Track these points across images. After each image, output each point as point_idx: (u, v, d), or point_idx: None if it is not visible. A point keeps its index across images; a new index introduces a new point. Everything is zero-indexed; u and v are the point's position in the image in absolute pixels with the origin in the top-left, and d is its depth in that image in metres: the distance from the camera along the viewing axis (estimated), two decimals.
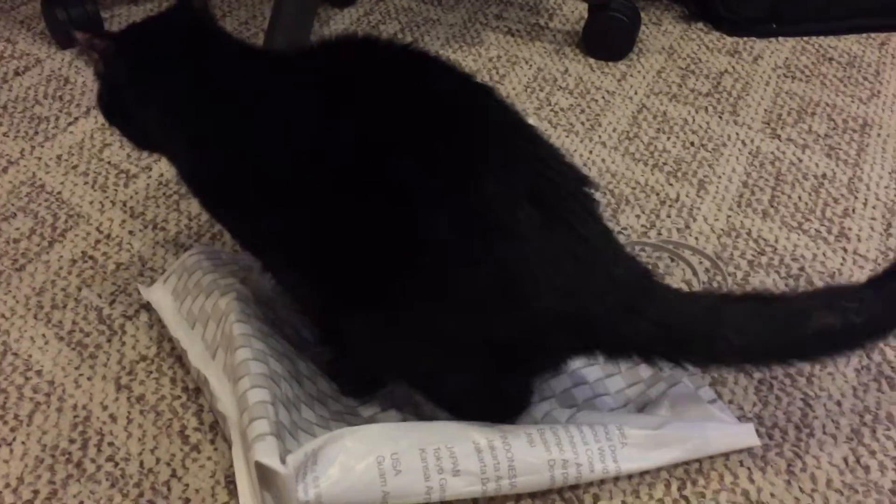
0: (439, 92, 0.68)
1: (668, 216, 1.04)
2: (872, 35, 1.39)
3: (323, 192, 0.65)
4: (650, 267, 0.96)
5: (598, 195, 0.70)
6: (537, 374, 0.75)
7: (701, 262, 0.98)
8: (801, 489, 0.76)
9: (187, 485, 0.75)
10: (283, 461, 0.63)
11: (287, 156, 0.67)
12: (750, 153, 1.14)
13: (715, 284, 0.95)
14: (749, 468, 0.78)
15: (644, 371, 0.83)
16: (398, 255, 0.64)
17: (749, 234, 1.02)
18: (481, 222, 0.62)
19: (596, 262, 0.65)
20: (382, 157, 0.64)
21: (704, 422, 0.76)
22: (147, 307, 0.90)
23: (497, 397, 0.73)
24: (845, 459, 0.79)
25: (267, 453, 0.62)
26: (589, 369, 0.83)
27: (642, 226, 1.03)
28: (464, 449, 0.67)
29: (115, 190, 1.06)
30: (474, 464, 0.67)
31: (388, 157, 0.64)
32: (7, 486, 0.75)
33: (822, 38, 1.38)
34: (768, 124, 1.20)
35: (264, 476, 0.63)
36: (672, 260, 0.98)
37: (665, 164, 1.12)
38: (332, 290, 0.69)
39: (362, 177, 0.64)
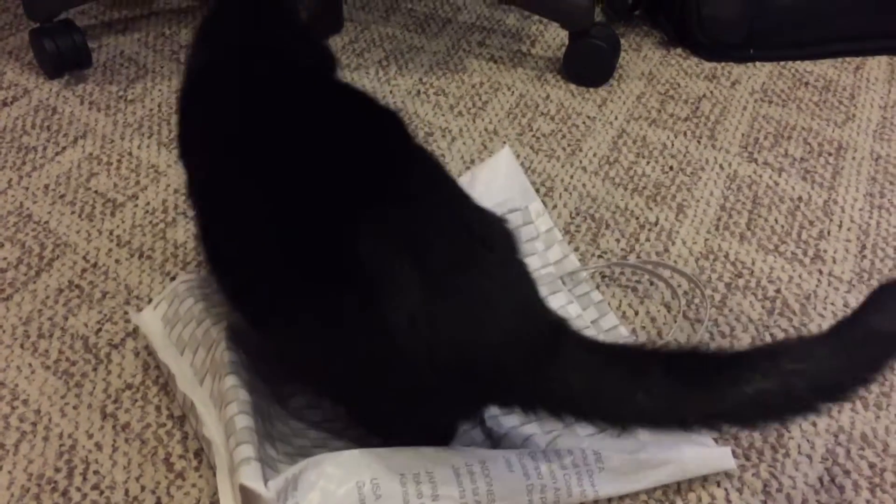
0: (353, 136, 0.70)
1: (648, 240, 1.06)
2: (848, 59, 1.41)
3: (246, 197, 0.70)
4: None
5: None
6: (449, 420, 0.75)
7: (680, 286, 0.99)
8: None
9: None
10: (266, 486, 0.64)
11: (227, 148, 0.72)
12: (727, 177, 1.17)
13: (693, 306, 0.97)
14: (726, 489, 0.79)
15: None
16: (294, 283, 0.66)
17: (727, 256, 1.04)
18: (355, 279, 0.63)
19: (484, 321, 0.63)
20: (287, 182, 0.68)
21: (681, 445, 0.77)
22: (133, 335, 0.91)
23: (419, 430, 0.73)
24: (820, 479, 0.80)
25: (251, 477, 0.63)
26: None
27: (622, 249, 1.05)
28: (443, 474, 0.69)
29: (102, 219, 1.08)
30: (453, 489, 0.68)
31: (289, 183, 0.68)
32: None
33: (798, 62, 1.41)
34: (745, 148, 1.22)
35: (248, 500, 0.64)
36: (651, 283, 1.00)
37: (644, 188, 1.14)
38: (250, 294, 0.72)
39: (270, 195, 0.68)
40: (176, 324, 0.83)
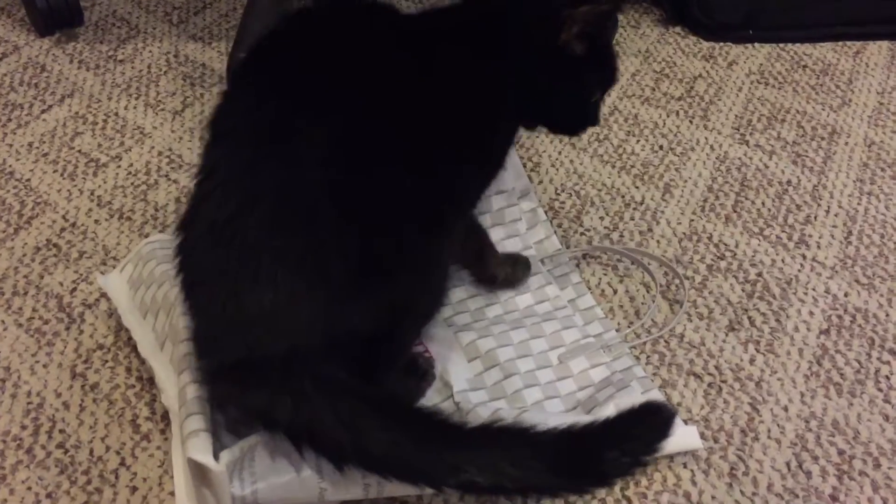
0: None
1: (632, 219, 1.05)
2: (848, 43, 1.39)
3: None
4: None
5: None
6: None
7: (661, 266, 0.99)
8: (742, 492, 0.77)
9: (135, 473, 0.76)
10: (217, 457, 0.63)
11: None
12: (717, 158, 1.15)
13: (673, 286, 0.96)
14: (692, 470, 0.78)
15: (596, 375, 0.84)
16: None
17: (710, 238, 1.03)
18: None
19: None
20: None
21: None
22: (107, 296, 0.91)
23: None
24: (788, 464, 0.80)
25: (199, 450, 0.63)
26: (542, 371, 0.84)
27: (605, 228, 1.04)
28: None
29: (84, 179, 1.07)
30: None
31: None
32: None
33: (798, 45, 1.38)
34: (738, 130, 1.20)
35: (199, 472, 0.63)
36: (632, 263, 0.99)
37: (633, 166, 1.13)
38: None
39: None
40: (139, 287, 0.82)
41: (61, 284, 0.93)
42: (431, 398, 0.82)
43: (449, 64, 0.74)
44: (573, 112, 0.83)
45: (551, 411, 0.80)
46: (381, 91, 0.69)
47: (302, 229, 0.63)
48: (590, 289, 0.95)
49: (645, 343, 0.90)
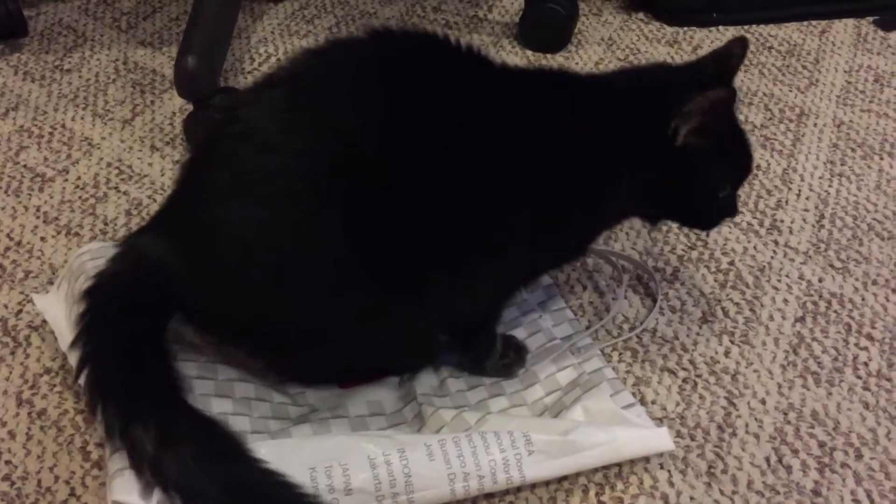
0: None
1: None
2: (813, 23, 1.37)
3: None
4: None
5: None
6: None
7: (630, 261, 0.96)
8: (721, 492, 0.74)
9: (86, 503, 0.72)
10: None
11: None
12: None
13: (644, 280, 0.93)
14: (669, 471, 0.76)
15: (563, 378, 0.81)
16: None
17: (680, 228, 1.00)
18: None
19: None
20: None
21: (615, 426, 0.73)
22: None
23: None
24: (767, 459, 0.77)
25: (125, 490, 0.60)
26: (508, 382, 0.81)
27: None
28: (357, 463, 0.65)
29: (29, 195, 1.03)
30: (368, 481, 0.64)
31: None
32: None
33: (762, 26, 1.36)
34: None
35: None
36: (601, 258, 0.96)
37: None
38: None
39: None
40: (72, 305, 0.78)
41: (6, 307, 0.89)
42: (394, 403, 0.79)
43: (550, 129, 0.73)
44: (702, 208, 0.78)
45: (514, 413, 0.77)
46: (450, 126, 0.70)
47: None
48: (558, 286, 0.92)
49: (617, 342, 0.87)
